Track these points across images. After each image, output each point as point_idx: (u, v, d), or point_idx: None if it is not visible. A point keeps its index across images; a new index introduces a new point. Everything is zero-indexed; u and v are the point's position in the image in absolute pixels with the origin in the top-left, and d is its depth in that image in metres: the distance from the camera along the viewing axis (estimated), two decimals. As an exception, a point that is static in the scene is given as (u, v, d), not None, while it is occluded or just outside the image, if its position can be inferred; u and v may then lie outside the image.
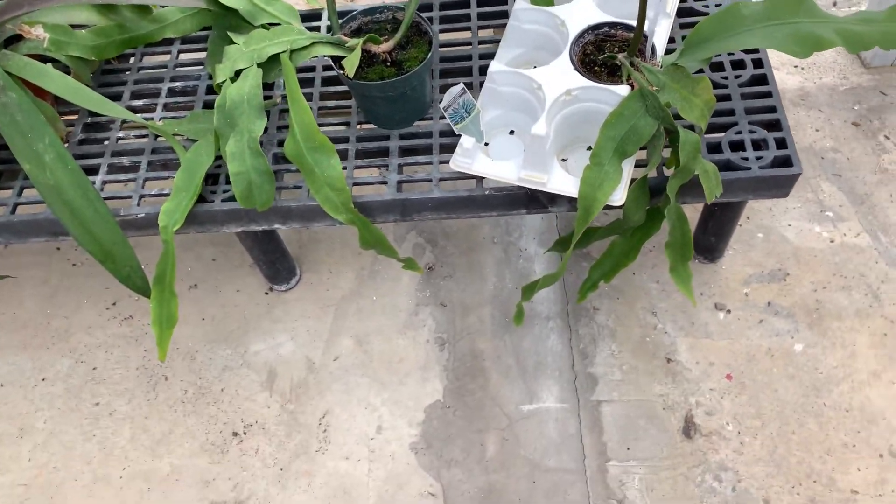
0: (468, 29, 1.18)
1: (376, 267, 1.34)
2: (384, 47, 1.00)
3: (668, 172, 1.00)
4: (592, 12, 1.02)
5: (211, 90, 1.14)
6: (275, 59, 0.99)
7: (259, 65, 0.98)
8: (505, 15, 1.18)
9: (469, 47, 1.15)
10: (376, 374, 1.21)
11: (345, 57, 0.98)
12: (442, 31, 1.18)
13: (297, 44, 0.98)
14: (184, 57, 1.20)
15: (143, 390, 1.22)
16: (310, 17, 1.21)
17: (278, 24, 1.03)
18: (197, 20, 1.12)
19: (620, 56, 0.97)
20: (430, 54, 0.98)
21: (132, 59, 1.20)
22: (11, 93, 0.94)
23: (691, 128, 0.98)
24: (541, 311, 1.25)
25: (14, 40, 1.02)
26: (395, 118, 1.05)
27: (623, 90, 0.95)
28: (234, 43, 1.07)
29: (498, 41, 1.16)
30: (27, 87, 0.99)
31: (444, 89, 1.10)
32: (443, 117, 1.08)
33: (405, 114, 1.05)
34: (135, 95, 1.16)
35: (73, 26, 1.06)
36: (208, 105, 1.12)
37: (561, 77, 0.97)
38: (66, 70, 1.04)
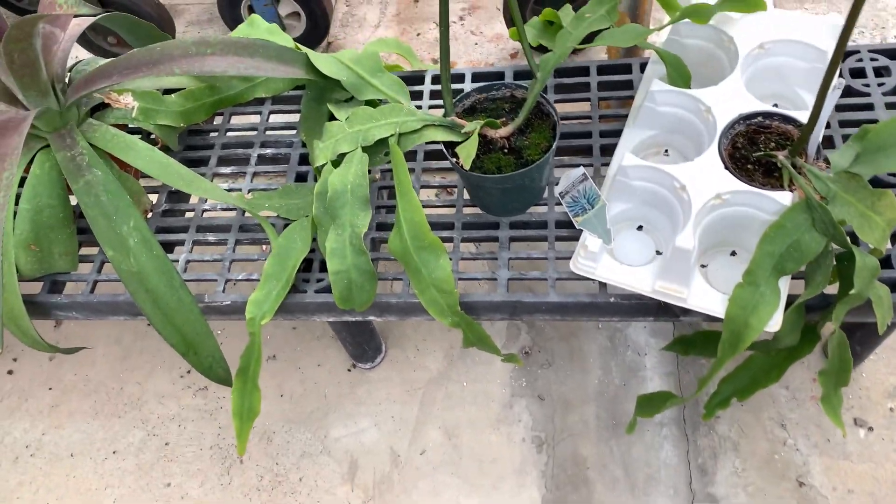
0: (587, 100, 1.05)
1: (469, 349, 1.23)
2: (502, 132, 0.88)
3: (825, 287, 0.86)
4: (743, 98, 0.89)
5: (304, 159, 1.05)
6: (381, 141, 0.88)
7: (364, 148, 0.88)
8: (628, 85, 1.06)
9: (588, 122, 1.02)
10: (467, 474, 1.10)
11: (458, 142, 0.87)
12: (556, 101, 1.06)
13: (406, 126, 0.88)
14: (275, 119, 1.12)
15: (217, 473, 1.14)
16: (412, 79, 1.10)
17: (384, 102, 0.93)
18: (290, 80, 1.04)
19: (781, 156, 0.83)
20: (554, 142, 0.87)
21: (219, 119, 1.12)
22: (97, 170, 0.87)
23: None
24: (652, 415, 1.12)
25: (99, 107, 0.95)
26: (508, 207, 0.94)
27: (784, 197, 0.81)
28: (332, 116, 0.98)
29: (621, 116, 1.03)
30: (112, 160, 0.91)
31: (557, 167, 0.99)
32: (558, 203, 0.96)
33: (519, 203, 0.94)
34: (222, 161, 1.07)
35: (163, 92, 0.98)
36: (301, 176, 1.03)
37: (710, 177, 0.83)
38: (152, 142, 0.96)
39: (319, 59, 0.95)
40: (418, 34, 1.74)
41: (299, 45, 0.98)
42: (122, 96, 0.91)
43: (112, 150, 0.88)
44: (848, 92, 0.99)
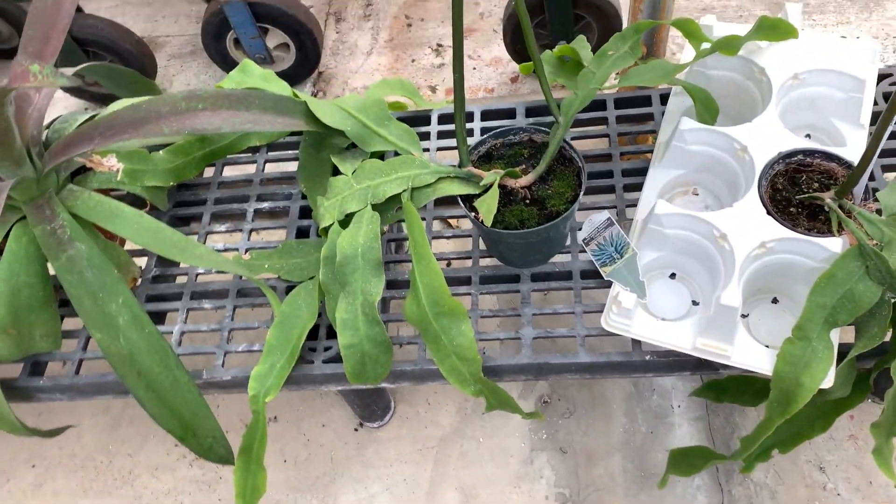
0: (605, 136, 0.99)
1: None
2: (523, 182, 0.81)
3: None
4: (780, 134, 0.82)
5: (305, 212, 0.97)
6: (393, 197, 0.81)
7: (374, 206, 0.81)
8: (648, 117, 0.99)
9: (608, 163, 0.96)
10: (490, 540, 1.02)
11: (476, 195, 0.80)
12: (572, 138, 0.99)
13: (419, 180, 0.81)
14: (271, 168, 1.04)
15: (219, 551, 1.05)
16: (418, 119, 1.03)
17: (394, 153, 0.86)
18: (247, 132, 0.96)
19: (828, 199, 0.77)
20: (580, 191, 0.80)
21: (210, 170, 1.04)
22: (80, 243, 0.78)
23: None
24: (685, 467, 1.05)
25: (80, 170, 0.87)
26: (529, 259, 0.87)
27: (834, 244, 0.74)
28: (335, 167, 0.90)
29: (643, 152, 0.97)
30: (97, 229, 0.83)
31: (578, 210, 0.92)
32: (583, 251, 0.89)
33: (541, 254, 0.87)
34: (216, 217, 0.99)
35: (149, 148, 0.91)
36: (302, 231, 0.96)
37: (752, 224, 0.77)
38: (138, 200, 0.89)
39: (320, 107, 0.87)
40: (413, 60, 1.67)
41: (297, 93, 0.91)
42: (105, 158, 0.82)
43: (96, 219, 0.80)
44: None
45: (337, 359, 0.84)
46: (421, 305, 0.76)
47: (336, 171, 0.91)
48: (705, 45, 0.85)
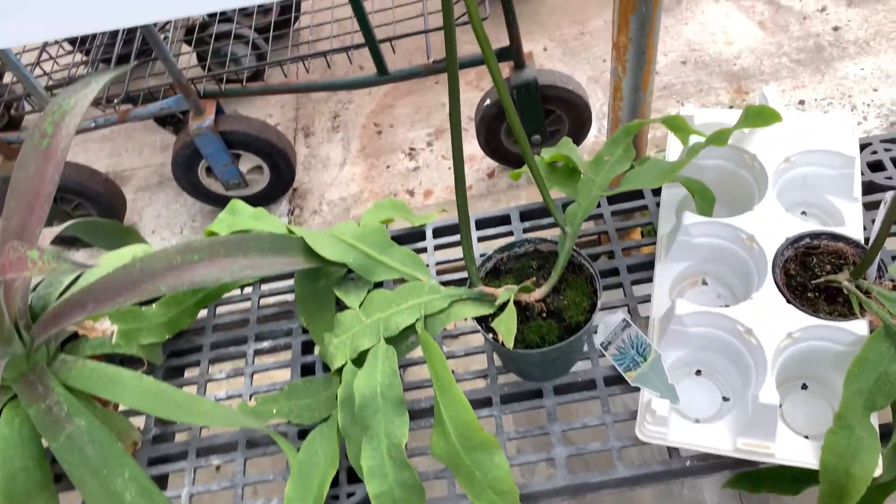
0: (604, 232, 0.98)
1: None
2: (537, 295, 0.79)
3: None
4: (782, 218, 0.83)
5: (307, 347, 0.94)
6: (406, 328, 0.78)
7: (387, 339, 0.77)
8: (643, 209, 0.99)
9: (612, 260, 0.94)
10: None
11: (491, 315, 0.78)
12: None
13: (431, 307, 0.78)
14: (266, 303, 1.00)
15: None
16: (412, 236, 1.02)
17: (402, 280, 0.83)
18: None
19: (845, 282, 0.76)
20: (598, 299, 0.78)
21: (204, 312, 1.00)
22: (79, 419, 0.73)
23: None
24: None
25: (72, 338, 0.82)
26: (550, 373, 0.84)
27: (859, 327, 0.73)
28: (342, 304, 0.87)
29: (644, 244, 0.96)
30: (93, 398, 0.78)
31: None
32: (602, 355, 0.86)
33: (562, 367, 0.84)
34: (215, 362, 0.95)
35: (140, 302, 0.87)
36: (307, 368, 0.91)
37: (775, 315, 0.76)
38: (132, 357, 0.84)
39: (318, 241, 0.85)
40: (388, 166, 1.68)
41: (291, 228, 0.89)
42: (98, 323, 0.78)
43: (94, 389, 0.76)
44: (871, 188, 0.95)
45: (366, 503, 0.79)
46: (450, 441, 0.72)
47: (339, 302, 0.88)
48: (695, 138, 0.86)
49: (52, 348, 0.81)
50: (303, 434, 0.83)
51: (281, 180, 1.57)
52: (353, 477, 0.81)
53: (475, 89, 1.80)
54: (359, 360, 0.78)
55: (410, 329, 0.78)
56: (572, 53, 1.83)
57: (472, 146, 1.67)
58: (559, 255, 0.80)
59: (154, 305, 0.88)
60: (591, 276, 0.81)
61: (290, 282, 1.00)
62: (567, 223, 0.80)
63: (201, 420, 0.76)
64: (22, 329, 0.78)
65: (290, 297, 1.00)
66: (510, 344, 0.73)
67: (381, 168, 1.68)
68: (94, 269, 0.90)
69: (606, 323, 0.85)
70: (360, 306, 0.82)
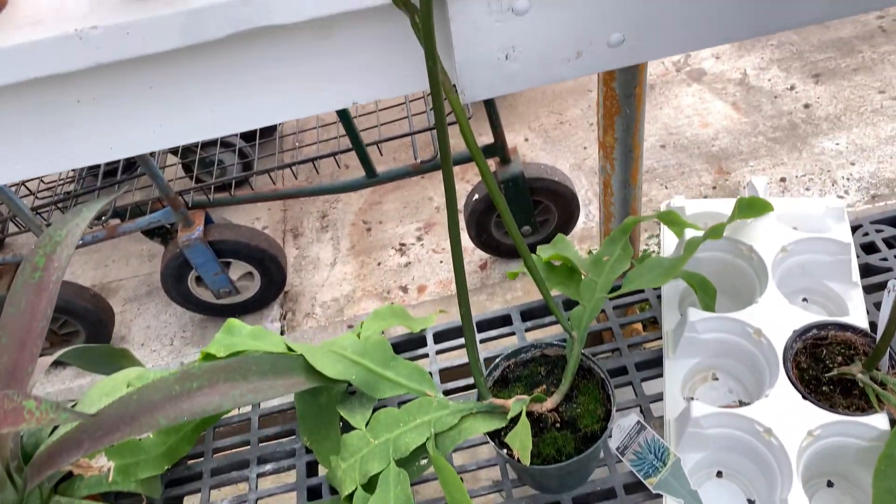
0: (608, 329, 0.97)
1: None
2: (549, 405, 0.77)
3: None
4: (787, 310, 0.82)
5: (312, 468, 0.90)
6: (418, 448, 0.75)
7: (397, 461, 0.75)
8: (644, 302, 0.99)
9: (619, 358, 0.93)
10: None
11: (503, 428, 0.76)
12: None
13: (441, 424, 0.75)
14: (266, 423, 0.97)
15: None
16: (410, 342, 1.00)
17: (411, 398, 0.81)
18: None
19: (859, 375, 0.75)
20: (612, 407, 0.76)
21: (202, 435, 0.97)
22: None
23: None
24: None
25: (66, 477, 0.79)
26: (568, 484, 0.81)
27: (879, 421, 0.72)
28: (347, 422, 0.85)
29: (648, 340, 0.95)
30: (91, 544, 0.74)
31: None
32: (618, 460, 0.83)
33: (580, 477, 0.81)
34: (216, 487, 0.91)
35: (139, 434, 0.83)
36: (314, 492, 0.88)
37: (792, 413, 0.74)
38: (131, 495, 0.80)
39: (319, 358, 0.83)
40: (379, 263, 1.68)
41: (290, 345, 0.87)
42: (94, 461, 0.75)
43: (90, 539, 0.71)
44: (868, 270, 0.95)
45: None
46: (471, 569, 0.68)
47: (342, 419, 0.85)
48: (691, 232, 0.87)
49: (45, 490, 0.77)
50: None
51: (272, 285, 1.56)
52: None
53: (461, 181, 1.83)
54: (369, 485, 0.75)
55: (420, 449, 0.75)
56: (553, 142, 1.87)
57: (462, 239, 1.67)
58: (568, 360, 0.79)
59: (151, 435, 0.85)
60: (602, 380, 0.79)
61: (291, 400, 0.97)
62: (573, 327, 0.79)
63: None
64: (14, 472, 0.74)
65: (291, 414, 0.97)
66: (526, 460, 0.70)
67: (373, 265, 1.67)
68: (87, 394, 0.87)
69: (621, 426, 0.83)
70: (366, 426, 0.79)
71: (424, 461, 0.76)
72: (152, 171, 1.28)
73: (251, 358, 0.81)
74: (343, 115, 1.26)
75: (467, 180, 1.83)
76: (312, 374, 0.83)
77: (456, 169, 1.88)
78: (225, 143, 1.67)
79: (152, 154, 1.58)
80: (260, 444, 0.94)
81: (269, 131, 1.74)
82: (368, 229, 1.77)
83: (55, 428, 0.84)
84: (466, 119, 0.57)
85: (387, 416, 0.78)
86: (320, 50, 0.53)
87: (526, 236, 1.49)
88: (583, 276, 0.84)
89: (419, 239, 1.70)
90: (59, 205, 1.52)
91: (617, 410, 0.84)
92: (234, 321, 0.92)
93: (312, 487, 0.88)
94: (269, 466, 0.91)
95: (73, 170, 1.77)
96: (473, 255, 1.62)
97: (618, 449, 0.83)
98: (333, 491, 0.87)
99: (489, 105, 1.26)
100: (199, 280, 1.51)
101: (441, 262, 1.62)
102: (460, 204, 1.78)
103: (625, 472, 0.82)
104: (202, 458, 0.94)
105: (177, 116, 0.55)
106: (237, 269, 1.52)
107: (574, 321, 0.80)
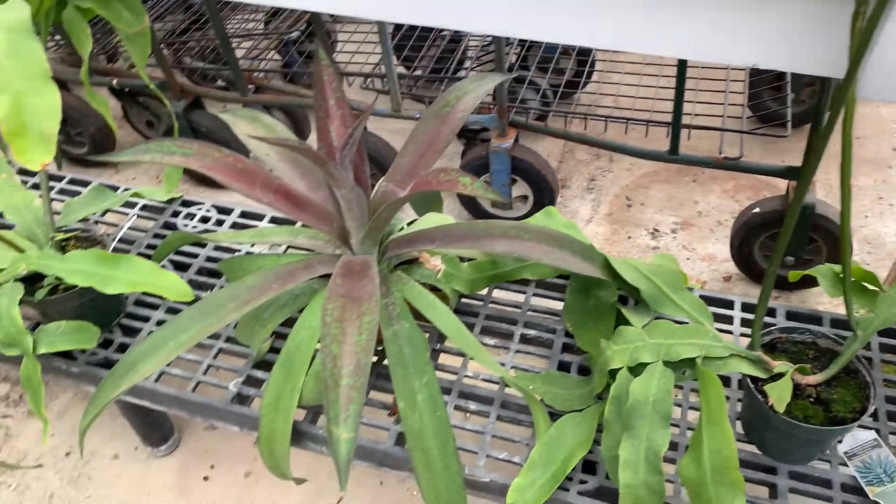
0: (868, 359, 1.03)
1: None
2: (811, 380, 0.86)
3: None
4: None
5: (567, 348, 1.06)
6: (683, 360, 0.88)
7: (665, 362, 0.88)
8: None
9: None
10: None
11: (761, 378, 0.86)
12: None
13: (711, 351, 0.87)
14: (536, 301, 1.14)
15: None
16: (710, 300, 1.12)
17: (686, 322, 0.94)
18: (555, 268, 1.07)
19: None
20: (869, 405, 0.84)
21: (485, 290, 1.16)
22: (404, 322, 0.90)
23: None
24: None
25: (404, 262, 1.00)
26: (790, 455, 0.90)
27: None
28: (620, 316, 0.99)
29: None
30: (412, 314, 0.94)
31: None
32: (842, 463, 0.90)
33: (804, 453, 0.90)
34: (486, 331, 1.10)
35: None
36: (563, 366, 1.03)
37: None
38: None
39: (617, 263, 0.98)
40: (629, 237, 1.80)
41: (593, 246, 1.02)
42: (433, 258, 0.96)
43: (419, 306, 0.92)
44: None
45: (594, 494, 0.88)
46: (702, 468, 0.80)
47: (619, 318, 1.00)
48: None
49: (392, 264, 0.99)
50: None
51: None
52: (588, 468, 0.91)
53: (730, 199, 1.88)
54: (634, 370, 0.88)
55: (686, 362, 0.88)
56: (836, 198, 1.87)
57: (713, 247, 1.75)
58: (843, 353, 0.87)
59: (466, 265, 1.04)
60: (864, 383, 0.86)
61: (560, 293, 1.13)
62: (859, 327, 0.87)
63: (481, 361, 0.90)
64: (382, 245, 0.97)
65: (556, 304, 1.12)
66: (781, 409, 0.81)
67: (623, 236, 1.80)
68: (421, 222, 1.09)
69: (855, 436, 0.90)
70: (643, 327, 0.93)
71: (686, 374, 0.89)
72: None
73: (568, 237, 0.98)
74: (679, 84, 1.38)
75: (736, 199, 1.89)
76: (608, 272, 0.98)
77: (728, 184, 1.94)
78: (531, 83, 1.88)
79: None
80: (528, 313, 1.11)
81: (571, 85, 1.96)
82: (629, 205, 1.89)
83: (401, 228, 1.06)
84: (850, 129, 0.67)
85: (665, 326, 0.91)
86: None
87: (784, 266, 1.53)
88: (882, 292, 0.91)
89: (673, 231, 1.80)
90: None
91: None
92: (552, 208, 1.09)
93: (563, 362, 1.04)
94: (532, 332, 1.08)
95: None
96: (721, 265, 1.69)
97: (846, 453, 0.90)
98: (580, 372, 1.02)
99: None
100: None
101: (688, 259, 1.71)
102: (722, 215, 1.84)
103: (846, 475, 0.89)
104: (482, 303, 1.13)
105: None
106: (517, 189, 1.71)
107: (862, 324, 0.88)
